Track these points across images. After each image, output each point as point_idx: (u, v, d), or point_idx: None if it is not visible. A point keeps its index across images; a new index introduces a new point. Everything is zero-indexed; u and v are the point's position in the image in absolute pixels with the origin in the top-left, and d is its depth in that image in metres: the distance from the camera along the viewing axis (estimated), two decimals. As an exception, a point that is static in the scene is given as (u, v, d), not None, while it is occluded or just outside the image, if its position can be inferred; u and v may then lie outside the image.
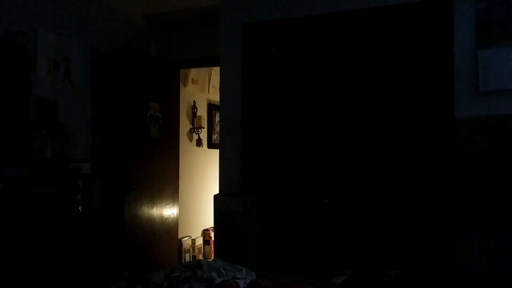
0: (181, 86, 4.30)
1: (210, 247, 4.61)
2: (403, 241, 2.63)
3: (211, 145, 4.91)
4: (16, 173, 2.43)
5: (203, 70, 4.78)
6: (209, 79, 4.94)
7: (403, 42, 2.70)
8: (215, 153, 3.48)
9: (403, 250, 2.61)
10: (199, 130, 4.68)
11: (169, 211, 3.90)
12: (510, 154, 2.41)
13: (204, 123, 4.78)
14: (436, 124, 2.60)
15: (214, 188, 3.32)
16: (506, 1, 2.43)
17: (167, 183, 3.90)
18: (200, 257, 4.55)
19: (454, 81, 2.55)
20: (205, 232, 4.75)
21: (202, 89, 4.89)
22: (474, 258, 2.44)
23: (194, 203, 4.55)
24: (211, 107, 5.00)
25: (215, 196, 3.12)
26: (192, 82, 4.67)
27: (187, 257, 4.27)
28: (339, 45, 2.87)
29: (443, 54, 2.59)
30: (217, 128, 4.84)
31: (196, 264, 1.83)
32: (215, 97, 4.69)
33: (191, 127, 4.65)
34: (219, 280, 1.66)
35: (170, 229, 3.93)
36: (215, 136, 4.95)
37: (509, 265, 2.35)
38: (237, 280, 1.63)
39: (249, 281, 1.63)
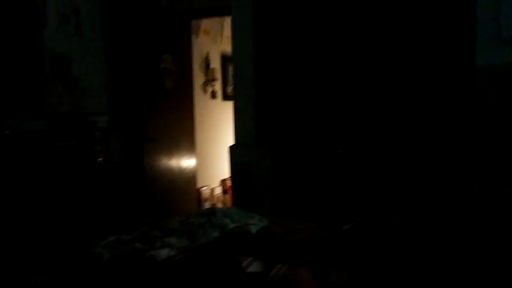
0: (193, 37, 4.23)
1: (229, 196, 4.74)
2: (419, 190, 2.64)
3: (226, 97, 4.90)
4: (36, 126, 2.50)
5: (215, 21, 4.66)
6: (222, 30, 4.83)
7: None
8: (230, 105, 3.48)
9: (419, 199, 2.63)
10: (213, 82, 4.66)
11: (187, 162, 4.00)
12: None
13: (218, 75, 4.74)
14: (456, 72, 2.51)
15: (230, 139, 3.37)
16: None
17: (184, 135, 3.96)
18: (219, 205, 4.70)
19: (475, 27, 2.41)
20: (223, 182, 4.87)
21: (215, 40, 4.80)
22: (490, 206, 2.44)
23: (211, 154, 4.64)
24: (224, 59, 4.93)
25: (230, 148, 3.16)
26: (205, 33, 4.58)
27: (207, 206, 4.42)
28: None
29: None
30: (232, 80, 4.80)
31: (210, 211, 1.90)
32: (228, 48, 4.60)
33: (205, 79, 4.62)
34: (232, 225, 1.73)
35: (189, 179, 4.04)
36: (229, 88, 4.92)
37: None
38: (249, 226, 1.69)
39: (261, 226, 1.70)
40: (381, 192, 2.73)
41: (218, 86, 4.78)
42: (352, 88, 2.79)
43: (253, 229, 1.63)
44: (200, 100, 4.46)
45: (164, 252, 1.44)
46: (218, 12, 4.02)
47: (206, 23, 4.53)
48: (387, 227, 1.43)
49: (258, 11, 3.03)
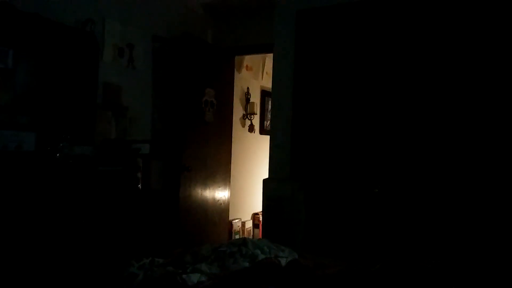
0: (236, 72, 4.42)
1: (259, 230, 4.73)
2: (452, 234, 2.54)
3: (263, 131, 5.00)
4: (84, 151, 2.67)
5: (257, 57, 4.85)
6: (263, 66, 5.01)
7: (472, 26, 2.54)
8: (267, 139, 3.56)
9: (450, 242, 2.53)
10: (252, 116, 4.79)
11: (221, 194, 4.07)
12: None
13: (257, 109, 4.88)
14: (498, 118, 2.45)
15: (264, 173, 3.42)
16: None
17: (220, 166, 4.06)
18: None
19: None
20: (254, 216, 4.88)
21: (256, 75, 4.98)
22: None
23: (245, 187, 4.69)
24: (264, 94, 5.08)
25: (264, 181, 3.20)
26: (247, 68, 4.76)
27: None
28: (397, 30, 2.77)
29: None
30: (270, 115, 4.91)
31: (242, 242, 1.93)
32: (269, 83, 4.74)
33: (244, 113, 4.76)
34: (262, 256, 1.75)
35: (222, 210, 4.10)
36: (267, 123, 5.03)
37: None
38: (279, 258, 1.71)
39: (290, 259, 1.70)
40: (414, 233, 2.65)
41: (256, 120, 4.90)
42: (391, 127, 2.78)
43: (283, 262, 1.64)
44: (238, 132, 4.58)
45: (195, 277, 1.48)
46: (260, 49, 4.21)
47: (248, 59, 4.73)
48: (416, 269, 1.40)
49: (299, 50, 3.15)
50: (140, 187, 3.13)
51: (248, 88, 4.81)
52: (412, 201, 2.69)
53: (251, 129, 4.82)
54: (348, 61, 2.96)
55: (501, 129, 2.44)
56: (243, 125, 4.76)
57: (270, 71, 3.93)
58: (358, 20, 2.92)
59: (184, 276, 1.50)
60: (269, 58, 4.74)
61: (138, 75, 3.41)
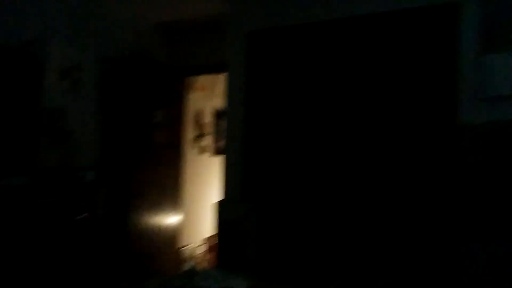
0: (188, 93, 4.34)
1: (212, 255, 4.59)
2: (406, 251, 2.59)
3: (215, 153, 4.93)
4: (22, 181, 2.46)
5: (210, 77, 4.81)
6: (216, 86, 4.97)
7: (408, 46, 2.67)
8: (219, 160, 3.49)
9: (405, 260, 2.58)
10: (204, 137, 4.70)
11: (171, 219, 3.91)
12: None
13: (210, 130, 4.81)
14: (440, 131, 2.56)
15: (217, 195, 3.34)
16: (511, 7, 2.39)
17: (171, 190, 3.92)
18: (202, 265, 4.54)
19: (458, 87, 2.51)
20: (207, 240, 4.74)
21: (209, 96, 4.93)
22: (476, 268, 2.40)
23: (197, 210, 4.56)
24: (217, 114, 5.02)
25: (216, 204, 3.12)
26: (199, 89, 4.70)
27: (188, 265, 4.26)
28: (343, 51, 2.86)
29: (448, 59, 2.55)
30: (223, 136, 4.86)
31: (191, 273, 1.84)
32: (222, 104, 4.71)
33: (197, 134, 4.67)
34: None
35: (172, 236, 3.94)
36: (220, 143, 4.97)
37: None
38: (231, 290, 1.63)
39: (242, 291, 1.63)
40: (368, 250, 2.68)
41: (209, 141, 4.82)
42: (337, 150, 2.82)
43: (235, 294, 1.56)
44: (190, 154, 4.47)
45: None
46: (212, 69, 4.17)
47: (201, 79, 4.67)
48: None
49: (250, 70, 3.14)
50: (83, 217, 2.92)
51: (200, 108, 4.73)
52: (359, 219, 2.72)
53: (203, 150, 4.73)
54: (296, 80, 3.00)
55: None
56: (196, 146, 4.66)
57: (223, 91, 3.90)
58: (305, 41, 2.98)
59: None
60: (222, 78, 4.71)
61: (84, 97, 3.24)
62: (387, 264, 2.61)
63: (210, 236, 4.67)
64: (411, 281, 2.33)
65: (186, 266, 4.14)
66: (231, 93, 3.26)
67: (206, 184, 4.73)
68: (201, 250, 4.63)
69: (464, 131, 2.47)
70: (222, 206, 3.10)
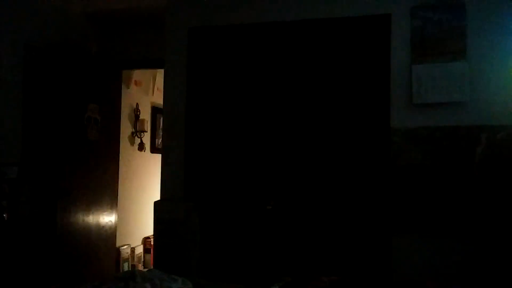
0: (124, 87, 4.14)
1: (151, 256, 4.44)
2: (341, 248, 2.69)
3: (154, 150, 4.76)
4: None
5: (147, 72, 4.64)
6: (154, 81, 4.81)
7: (344, 54, 2.79)
8: (158, 158, 3.37)
9: (341, 256, 2.68)
10: (142, 133, 4.53)
11: (106, 218, 3.71)
12: (440, 162, 2.56)
13: (147, 127, 4.63)
14: (374, 134, 2.71)
15: (156, 194, 3.22)
16: (440, 20, 2.59)
17: (106, 189, 3.71)
18: (140, 266, 4.37)
19: (390, 93, 2.67)
20: (145, 240, 4.58)
21: (146, 91, 4.75)
22: (407, 262, 2.56)
23: (134, 210, 4.38)
24: (155, 110, 4.86)
25: (156, 203, 3.01)
26: (136, 83, 4.51)
27: (126, 267, 4.08)
28: (282, 53, 2.90)
29: (381, 67, 2.70)
30: (161, 133, 4.71)
31: (129, 275, 1.74)
32: (160, 100, 4.55)
33: (133, 130, 4.48)
34: (153, 291, 1.58)
35: (108, 237, 3.73)
36: (158, 141, 4.81)
37: (440, 268, 2.49)
38: (173, 291, 1.57)
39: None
40: (306, 248, 2.74)
41: (146, 138, 4.64)
42: (279, 147, 2.86)
43: (177, 295, 1.50)
44: (127, 151, 4.28)
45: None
46: (150, 64, 4.02)
47: (138, 74, 4.48)
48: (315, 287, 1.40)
49: (191, 66, 3.07)
50: (6, 217, 2.67)
51: (137, 104, 4.54)
52: (299, 215, 2.78)
53: (141, 147, 4.54)
54: (236, 78, 2.99)
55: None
56: (132, 143, 4.46)
57: (161, 87, 3.78)
58: (247, 40, 2.98)
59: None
60: (160, 74, 4.56)
61: (5, 88, 2.94)
62: (324, 260, 2.69)
63: (149, 236, 4.52)
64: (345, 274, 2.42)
65: (124, 268, 3.98)
66: (171, 89, 3.16)
67: (145, 182, 4.55)
68: (139, 251, 4.46)
69: (395, 134, 2.62)
70: (162, 205, 2.99)
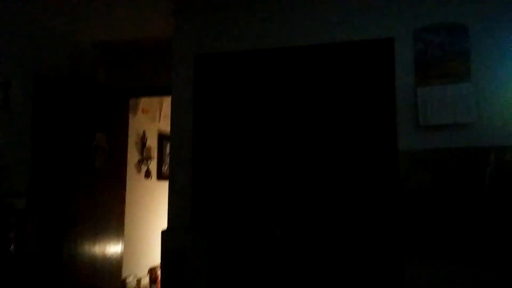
0: (131, 115, 4.18)
1: (157, 287, 4.36)
2: (352, 273, 2.63)
3: (160, 177, 4.76)
4: None
5: (154, 100, 4.69)
6: (161, 109, 4.85)
7: (350, 78, 2.80)
8: (165, 185, 3.36)
9: (353, 282, 2.61)
10: (149, 161, 4.53)
11: (113, 248, 3.67)
12: (449, 185, 2.52)
13: (154, 154, 4.65)
14: (382, 158, 2.68)
15: (163, 222, 3.18)
16: (442, 43, 2.62)
17: (112, 217, 3.69)
18: (147, 296, 4.29)
19: (396, 116, 2.66)
20: (151, 271, 4.50)
21: (153, 118, 4.79)
22: (417, 286, 2.49)
23: (141, 239, 4.33)
24: (161, 138, 4.88)
25: (163, 232, 2.97)
26: (143, 111, 4.55)
27: (132, 298, 4.00)
28: (288, 78, 2.92)
29: (386, 90, 2.71)
30: (168, 159, 4.71)
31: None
32: (166, 127, 4.59)
33: (140, 158, 4.49)
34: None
35: (113, 267, 3.68)
36: (165, 168, 4.81)
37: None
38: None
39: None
40: (319, 276, 2.68)
41: (153, 165, 4.65)
42: (286, 175, 2.84)
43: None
44: (133, 179, 4.27)
45: None
46: (157, 91, 4.07)
47: (144, 102, 4.54)
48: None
49: (198, 93, 3.10)
50: (12, 249, 2.64)
51: (144, 131, 4.57)
52: (313, 241, 2.73)
53: (147, 175, 4.54)
54: (243, 104, 2.99)
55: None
56: (139, 171, 4.46)
57: (168, 114, 3.81)
58: (252, 66, 3.00)
59: None
60: (166, 101, 4.62)
61: (14, 118, 2.98)
62: (336, 286, 2.62)
63: (155, 267, 4.44)
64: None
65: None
66: (177, 116, 3.18)
67: (152, 210, 4.53)
68: (145, 281, 4.38)
69: (403, 157, 2.61)
70: (169, 234, 2.95)
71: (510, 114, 2.48)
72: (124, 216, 3.84)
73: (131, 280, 4.05)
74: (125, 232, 3.84)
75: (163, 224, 3.12)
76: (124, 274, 3.90)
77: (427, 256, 2.51)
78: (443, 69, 2.60)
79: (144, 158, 4.50)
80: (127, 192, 3.93)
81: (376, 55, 2.77)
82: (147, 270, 4.47)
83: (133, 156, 4.32)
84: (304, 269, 2.72)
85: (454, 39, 2.60)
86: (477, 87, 2.53)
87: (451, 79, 2.58)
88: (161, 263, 2.97)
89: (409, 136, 2.62)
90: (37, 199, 3.02)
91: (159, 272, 4.31)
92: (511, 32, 2.51)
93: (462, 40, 2.58)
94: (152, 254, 4.38)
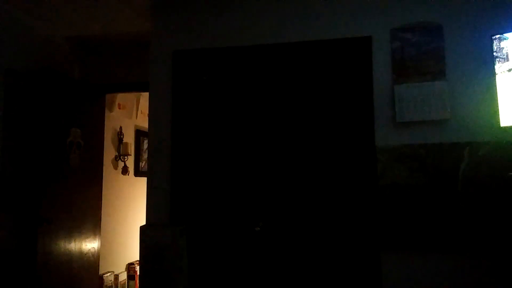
0: (107, 111, 4.10)
1: (135, 283, 4.31)
2: (331, 266, 2.67)
3: (138, 173, 4.69)
4: None
5: (131, 95, 4.61)
6: (137, 105, 4.78)
7: (328, 75, 2.83)
8: (143, 181, 3.31)
9: (331, 274, 2.66)
10: (126, 157, 4.46)
11: (89, 245, 3.60)
12: (425, 179, 2.60)
13: (131, 150, 4.57)
14: (359, 153, 2.73)
15: (141, 218, 3.15)
16: (418, 42, 2.68)
17: (88, 214, 3.61)
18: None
19: (374, 113, 2.71)
20: (129, 267, 4.45)
21: (130, 114, 4.71)
22: (397, 279, 2.56)
23: (118, 235, 4.27)
24: (139, 133, 4.81)
25: (141, 228, 2.93)
26: (119, 107, 4.47)
27: (109, 295, 3.95)
28: (266, 75, 2.92)
29: (364, 87, 2.75)
30: (145, 156, 4.65)
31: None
32: (144, 123, 4.54)
33: (117, 154, 4.41)
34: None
35: (90, 264, 3.62)
36: (142, 164, 4.75)
37: (426, 283, 2.50)
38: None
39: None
40: (298, 268, 2.71)
41: (130, 162, 4.58)
42: (265, 168, 2.85)
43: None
44: (110, 175, 4.20)
45: None
46: (134, 87, 4.00)
47: (121, 97, 4.45)
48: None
49: (176, 89, 3.07)
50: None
51: (121, 127, 4.49)
52: (292, 235, 2.76)
53: (124, 171, 4.47)
54: (222, 100, 2.98)
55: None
56: (116, 167, 4.39)
57: (145, 110, 3.76)
58: (231, 62, 3.00)
59: None
60: (143, 97, 4.55)
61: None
62: (315, 279, 2.67)
63: (133, 262, 4.39)
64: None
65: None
66: (156, 112, 3.13)
67: (130, 207, 4.46)
68: (123, 277, 4.32)
69: (380, 153, 2.66)
70: (147, 230, 2.92)
71: (483, 111, 2.57)
72: (100, 213, 3.77)
73: (108, 277, 4.00)
74: (102, 229, 3.78)
75: (141, 221, 3.08)
76: (101, 271, 3.84)
77: (403, 248, 2.58)
78: (419, 68, 2.67)
79: (121, 155, 4.43)
80: (104, 189, 3.86)
81: (354, 53, 2.81)
82: (125, 266, 4.42)
83: (109, 152, 4.24)
84: (283, 263, 2.75)
85: (430, 38, 2.66)
86: (452, 85, 2.61)
87: (427, 77, 2.64)
88: (139, 259, 2.94)
89: (386, 132, 2.68)
90: (7, 197, 2.93)
91: (137, 268, 4.26)
92: (485, 32, 2.59)
93: (438, 39, 2.65)
94: (130, 250, 4.33)
